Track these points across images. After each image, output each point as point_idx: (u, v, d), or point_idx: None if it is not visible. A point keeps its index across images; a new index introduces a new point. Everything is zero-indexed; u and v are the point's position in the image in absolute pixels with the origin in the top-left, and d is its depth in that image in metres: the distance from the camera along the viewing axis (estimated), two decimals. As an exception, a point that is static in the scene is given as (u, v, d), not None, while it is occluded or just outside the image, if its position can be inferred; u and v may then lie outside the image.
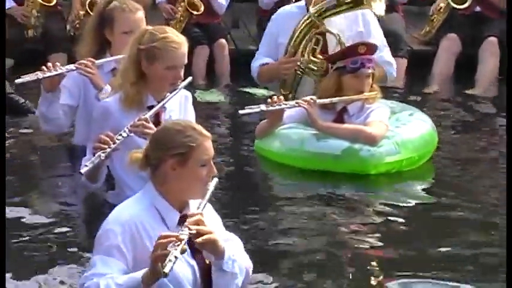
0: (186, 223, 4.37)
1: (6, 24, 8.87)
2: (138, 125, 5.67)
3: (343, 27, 7.61)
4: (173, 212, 4.56)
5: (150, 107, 5.86)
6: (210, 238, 4.39)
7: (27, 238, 5.85)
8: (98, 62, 6.38)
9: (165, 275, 4.17)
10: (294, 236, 5.92)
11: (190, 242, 4.40)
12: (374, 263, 5.57)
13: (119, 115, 5.87)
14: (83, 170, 5.62)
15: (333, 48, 7.54)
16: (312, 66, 7.58)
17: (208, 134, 4.57)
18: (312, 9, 7.56)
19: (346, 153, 6.82)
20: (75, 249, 5.68)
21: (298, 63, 7.49)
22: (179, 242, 4.21)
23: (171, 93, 5.93)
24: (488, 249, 5.84)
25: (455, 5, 9.33)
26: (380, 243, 5.94)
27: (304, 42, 7.59)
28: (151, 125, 5.63)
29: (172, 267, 4.15)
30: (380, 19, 8.72)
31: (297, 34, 7.58)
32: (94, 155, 5.64)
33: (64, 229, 5.97)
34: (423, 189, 6.86)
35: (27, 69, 8.19)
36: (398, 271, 5.46)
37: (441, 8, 9.48)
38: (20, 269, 5.32)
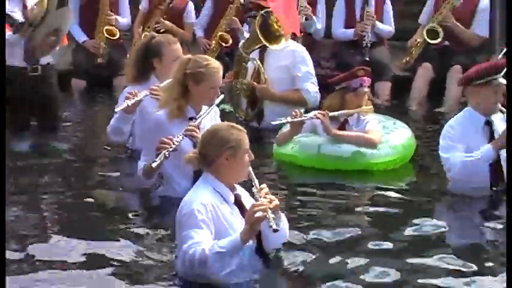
0: (261, 194, 4.65)
1: (82, 54, 9.02)
2: (190, 130, 5.70)
3: (278, 60, 7.73)
4: (229, 192, 4.79)
5: (191, 118, 5.84)
6: (277, 204, 4.63)
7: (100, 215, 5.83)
8: (162, 85, 6.27)
9: (276, 230, 4.47)
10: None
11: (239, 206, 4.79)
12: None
13: (167, 125, 5.87)
14: (154, 164, 5.64)
15: (251, 72, 7.73)
16: (241, 87, 7.71)
17: (243, 129, 4.83)
18: (240, 44, 7.94)
19: (354, 155, 6.81)
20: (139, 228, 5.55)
21: (234, 83, 7.65)
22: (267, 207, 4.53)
23: (209, 106, 5.97)
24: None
25: (429, 40, 9.28)
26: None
27: (240, 68, 7.77)
28: (198, 131, 5.66)
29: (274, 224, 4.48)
30: (370, 51, 9.34)
31: (236, 62, 7.87)
32: (157, 155, 5.64)
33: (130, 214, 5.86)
34: (408, 182, 6.84)
35: (96, 89, 8.17)
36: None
37: (418, 42, 9.41)
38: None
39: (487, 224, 5.77)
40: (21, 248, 5.10)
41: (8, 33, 7.00)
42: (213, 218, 4.62)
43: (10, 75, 7.20)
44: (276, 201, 4.62)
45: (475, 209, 6.13)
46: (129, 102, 6.29)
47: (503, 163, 6.11)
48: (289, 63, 7.69)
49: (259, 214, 4.47)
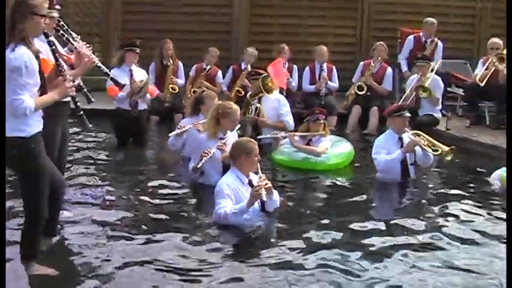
0: (260, 179, 4.81)
1: (156, 101, 8.75)
2: (220, 145, 5.79)
3: (270, 103, 7.63)
4: (245, 178, 4.95)
5: (221, 138, 5.92)
6: (270, 186, 4.83)
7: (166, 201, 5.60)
8: (201, 122, 6.49)
9: (264, 201, 4.71)
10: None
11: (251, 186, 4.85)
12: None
13: (207, 142, 5.92)
14: (199, 165, 5.73)
15: (254, 111, 7.56)
16: (248, 120, 7.49)
17: (255, 142, 5.06)
18: (248, 95, 7.81)
19: (304, 159, 6.84)
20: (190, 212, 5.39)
21: (243, 118, 7.31)
22: (263, 187, 4.71)
23: (231, 131, 6.04)
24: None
25: (358, 92, 9.28)
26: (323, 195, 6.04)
27: (247, 108, 7.64)
28: (225, 146, 5.73)
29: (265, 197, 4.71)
30: (324, 98, 9.23)
31: (244, 104, 7.68)
32: (200, 160, 5.71)
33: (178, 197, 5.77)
34: (345, 178, 6.66)
35: (165, 122, 8.11)
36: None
37: (352, 93, 9.38)
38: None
39: (402, 199, 6.08)
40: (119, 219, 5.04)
41: (120, 93, 7.16)
42: (233, 193, 4.82)
43: (122, 114, 7.45)
44: (269, 184, 4.83)
45: (392, 190, 6.26)
46: (178, 131, 6.55)
47: (408, 162, 6.27)
48: (277, 105, 7.66)
49: (256, 191, 4.68)
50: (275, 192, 5.03)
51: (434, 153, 6.32)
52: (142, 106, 7.53)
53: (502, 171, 5.96)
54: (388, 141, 6.35)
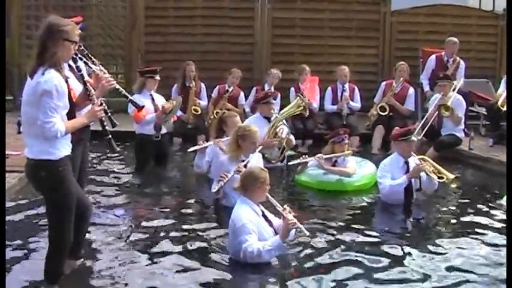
0: (288, 212, 4.60)
1: (179, 123, 8.80)
2: (239, 169, 5.72)
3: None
4: (258, 208, 4.75)
5: (242, 160, 5.88)
6: (297, 216, 4.66)
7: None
8: (223, 140, 6.52)
9: (308, 236, 4.71)
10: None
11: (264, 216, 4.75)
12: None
13: (228, 165, 5.90)
14: (215, 189, 5.76)
15: (286, 133, 7.47)
16: (276, 142, 7.40)
17: (267, 170, 4.88)
18: (278, 115, 7.57)
19: (338, 181, 6.79)
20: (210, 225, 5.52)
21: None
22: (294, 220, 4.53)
23: (252, 153, 5.98)
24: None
25: (380, 113, 9.19)
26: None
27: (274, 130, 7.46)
28: (243, 169, 5.62)
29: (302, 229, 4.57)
30: (346, 118, 9.13)
31: (272, 127, 7.43)
32: (218, 183, 5.76)
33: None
34: (373, 197, 6.65)
35: (188, 144, 8.08)
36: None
37: (373, 113, 9.31)
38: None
39: (407, 219, 5.92)
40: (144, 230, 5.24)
41: (148, 116, 7.17)
42: (255, 227, 4.61)
43: (144, 139, 7.39)
44: (295, 215, 4.66)
45: (398, 212, 6.07)
46: (198, 147, 6.73)
47: (414, 188, 6.14)
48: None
49: (294, 226, 4.54)
50: None
51: (439, 180, 6.16)
52: (164, 130, 7.57)
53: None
54: (392, 165, 6.24)
